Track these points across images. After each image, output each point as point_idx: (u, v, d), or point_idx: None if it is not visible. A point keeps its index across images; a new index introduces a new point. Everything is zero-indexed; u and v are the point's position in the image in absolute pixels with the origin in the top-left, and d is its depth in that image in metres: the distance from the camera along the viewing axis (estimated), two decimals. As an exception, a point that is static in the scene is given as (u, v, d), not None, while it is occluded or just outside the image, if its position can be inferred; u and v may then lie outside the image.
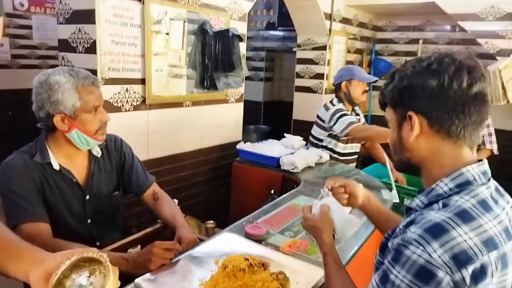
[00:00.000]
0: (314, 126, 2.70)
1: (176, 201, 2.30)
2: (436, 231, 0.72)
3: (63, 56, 2.08)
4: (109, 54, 1.99)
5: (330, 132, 2.58)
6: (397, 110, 0.86)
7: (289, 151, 2.53)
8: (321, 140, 2.66)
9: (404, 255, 0.73)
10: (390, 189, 2.12)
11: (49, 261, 0.74)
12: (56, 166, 1.34)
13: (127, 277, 1.13)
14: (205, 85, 2.46)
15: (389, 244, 0.80)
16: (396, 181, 2.52)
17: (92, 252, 0.75)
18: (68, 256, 0.74)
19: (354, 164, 2.80)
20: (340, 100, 2.60)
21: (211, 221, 2.04)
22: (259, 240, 1.41)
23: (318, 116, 2.66)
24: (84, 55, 1.98)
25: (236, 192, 2.64)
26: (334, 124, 2.48)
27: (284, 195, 1.94)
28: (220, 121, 2.80)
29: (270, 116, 5.33)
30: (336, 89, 2.64)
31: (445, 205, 0.77)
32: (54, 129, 1.34)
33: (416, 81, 0.80)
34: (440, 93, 0.78)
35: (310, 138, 2.74)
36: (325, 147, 2.65)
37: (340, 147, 2.65)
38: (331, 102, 2.63)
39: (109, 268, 0.72)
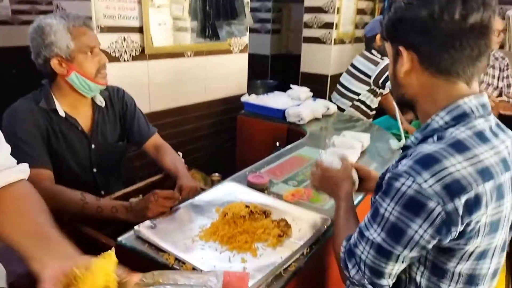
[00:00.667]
0: (350, 79, 2.59)
1: (180, 154, 2.28)
2: (427, 161, 0.69)
3: (57, 4, 1.99)
4: (103, 0, 1.88)
5: (372, 87, 2.49)
6: (392, 44, 0.82)
7: (295, 103, 2.46)
8: (358, 94, 2.56)
9: (394, 187, 0.72)
10: (399, 140, 2.06)
11: (71, 261, 0.63)
12: (61, 113, 1.35)
13: (127, 225, 1.13)
14: (206, 34, 2.35)
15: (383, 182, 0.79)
16: (406, 132, 2.46)
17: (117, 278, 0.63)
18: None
19: None
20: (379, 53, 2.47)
21: (217, 174, 2.03)
22: (261, 189, 1.39)
23: (358, 69, 2.54)
24: (78, 2, 1.89)
25: (241, 145, 2.61)
26: (387, 80, 2.39)
27: (288, 146, 1.90)
28: (224, 72, 2.71)
29: (278, 70, 5.18)
30: (368, 41, 2.51)
31: (440, 138, 0.74)
32: (54, 76, 1.34)
33: (409, 13, 0.75)
34: (430, 26, 0.72)
35: (340, 89, 2.64)
36: (362, 102, 2.57)
37: (375, 103, 2.58)
38: (372, 54, 2.49)
39: None
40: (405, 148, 0.85)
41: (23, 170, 0.81)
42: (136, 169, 2.14)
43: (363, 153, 1.80)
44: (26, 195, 0.78)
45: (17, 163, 1.23)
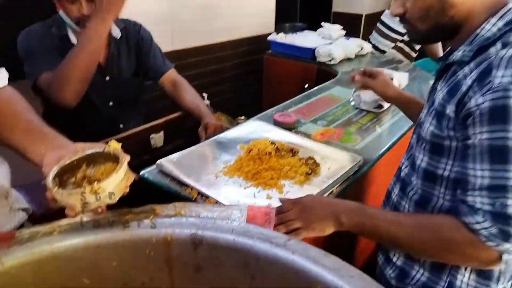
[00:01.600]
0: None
1: (205, 95, 2.21)
2: None
3: None
4: None
5: None
6: None
7: (327, 42, 2.30)
8: (403, 34, 2.34)
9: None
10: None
11: (68, 147, 0.68)
12: (73, 40, 1.31)
13: (150, 159, 1.09)
14: (232, -36, 2.17)
15: (448, 110, 0.69)
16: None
17: (114, 149, 0.66)
18: (90, 147, 0.66)
19: None
20: None
21: (243, 117, 1.96)
22: (288, 128, 1.32)
23: None
24: None
25: (268, 87, 2.51)
26: None
27: (318, 86, 1.78)
28: (249, 9, 2.54)
29: (308, 12, 4.86)
30: None
31: (505, 44, 0.66)
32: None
33: None
34: None
35: (382, 28, 2.38)
36: (406, 43, 2.38)
37: (418, 46, 2.38)
38: None
39: (122, 168, 0.62)
40: (447, 67, 0.76)
41: (2, 77, 0.82)
42: (160, 110, 2.11)
43: (399, 93, 1.66)
44: (13, 97, 0.80)
45: (34, 72, 1.23)
